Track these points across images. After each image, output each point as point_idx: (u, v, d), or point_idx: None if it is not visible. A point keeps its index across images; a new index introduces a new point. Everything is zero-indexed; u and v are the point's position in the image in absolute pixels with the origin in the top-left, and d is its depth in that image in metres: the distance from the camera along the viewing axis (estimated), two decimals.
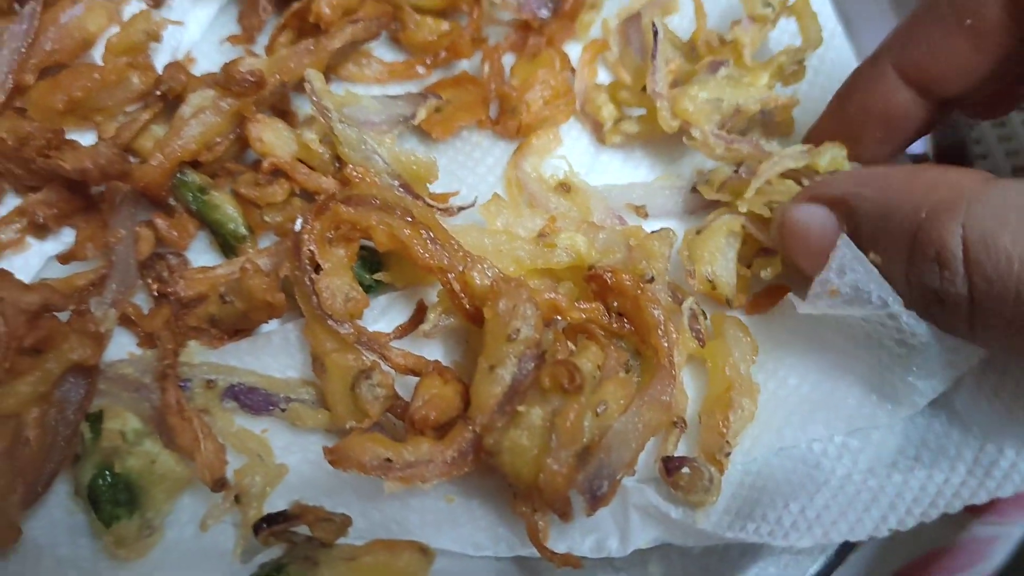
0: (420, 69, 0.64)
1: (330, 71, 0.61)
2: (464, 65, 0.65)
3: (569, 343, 0.49)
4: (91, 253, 0.56)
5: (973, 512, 0.67)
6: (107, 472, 0.49)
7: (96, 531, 0.50)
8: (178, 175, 0.57)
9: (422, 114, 0.59)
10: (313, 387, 0.53)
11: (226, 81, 0.55)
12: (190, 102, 0.56)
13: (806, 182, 0.53)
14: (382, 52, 0.65)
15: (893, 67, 0.51)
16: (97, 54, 0.60)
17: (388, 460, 0.46)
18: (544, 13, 0.63)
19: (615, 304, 0.50)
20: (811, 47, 0.59)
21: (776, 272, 0.54)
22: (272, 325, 0.55)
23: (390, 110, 0.58)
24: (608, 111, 0.62)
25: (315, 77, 0.55)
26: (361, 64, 0.63)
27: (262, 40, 0.64)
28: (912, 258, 0.42)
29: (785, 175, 0.53)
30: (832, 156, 0.53)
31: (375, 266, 0.55)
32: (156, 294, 0.55)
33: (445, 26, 0.63)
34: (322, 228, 0.50)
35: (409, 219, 0.50)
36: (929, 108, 0.52)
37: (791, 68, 0.60)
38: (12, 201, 0.57)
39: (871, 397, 0.48)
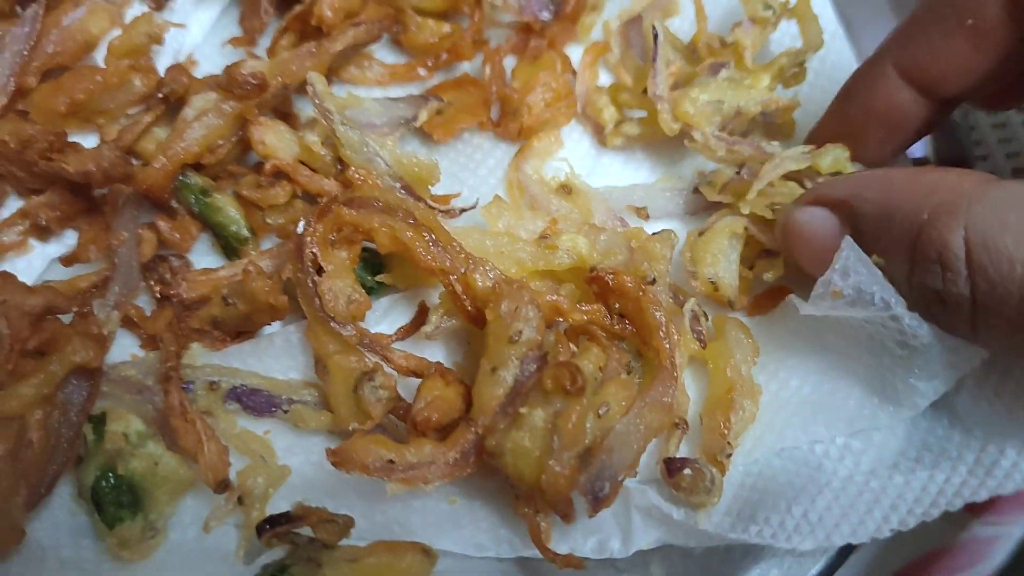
0: (421, 71, 0.64)
1: (332, 73, 0.61)
2: (465, 67, 0.65)
3: (571, 345, 0.49)
4: (94, 255, 0.56)
5: (973, 512, 0.68)
6: (110, 474, 0.49)
7: (99, 533, 0.50)
8: (180, 177, 0.57)
9: (423, 116, 0.59)
10: (315, 389, 0.53)
11: (228, 84, 0.55)
12: (192, 104, 0.57)
13: (808, 183, 0.53)
14: (383, 54, 0.65)
15: (894, 67, 0.51)
16: (99, 57, 0.60)
17: (390, 462, 0.46)
18: (545, 15, 0.63)
19: (616, 306, 0.50)
20: (812, 49, 0.59)
21: (778, 274, 0.54)
22: (274, 327, 0.55)
23: (392, 112, 0.58)
24: (609, 113, 0.62)
25: (317, 80, 0.55)
26: (363, 66, 0.63)
27: (263, 42, 0.64)
28: (914, 259, 0.42)
29: (787, 177, 0.53)
30: (834, 157, 0.53)
31: (377, 268, 0.55)
32: (158, 296, 0.56)
33: (446, 28, 0.63)
34: (324, 230, 0.50)
35: (411, 221, 0.50)
36: (930, 108, 0.52)
37: (792, 70, 0.60)
38: (14, 203, 0.58)
39: (872, 399, 0.49)
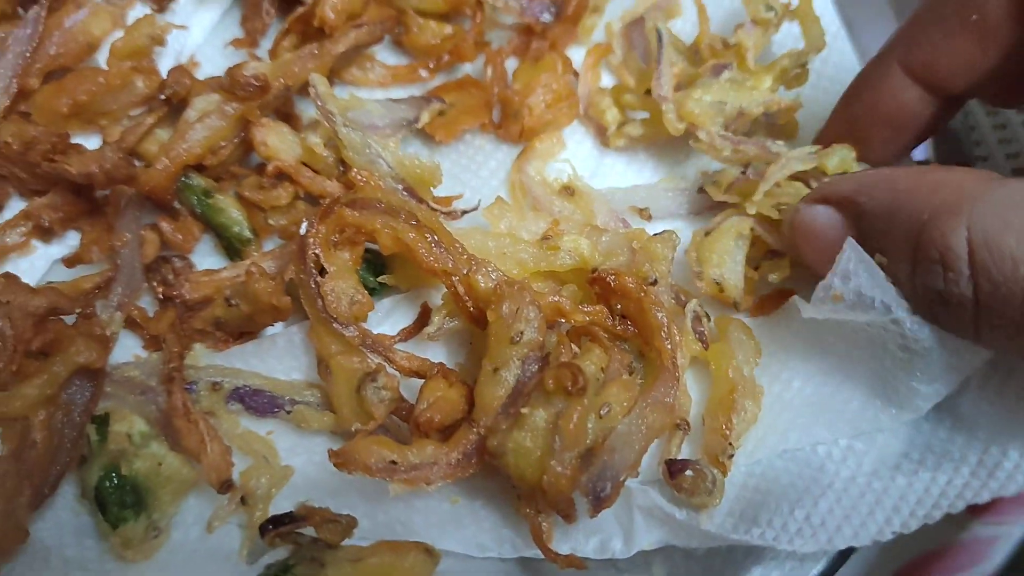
0: (423, 72, 0.64)
1: (333, 75, 0.62)
2: (467, 69, 0.65)
3: (572, 345, 0.49)
4: (96, 256, 0.57)
5: (974, 512, 0.68)
6: (114, 474, 0.49)
7: (102, 532, 0.50)
8: (183, 179, 0.57)
9: (425, 118, 0.59)
10: (318, 389, 0.53)
11: (231, 85, 0.55)
12: (195, 106, 0.57)
13: (814, 184, 0.53)
14: (385, 55, 0.65)
15: (899, 65, 0.51)
16: (101, 58, 0.60)
17: (393, 462, 0.46)
18: (546, 17, 0.63)
19: (618, 306, 0.50)
20: (814, 50, 0.59)
21: (784, 275, 0.54)
22: (277, 328, 0.55)
23: (394, 114, 0.58)
24: (612, 115, 0.62)
25: (320, 81, 0.55)
26: (364, 68, 0.63)
27: (265, 44, 0.64)
28: (916, 259, 0.42)
29: (793, 177, 0.53)
30: (841, 158, 0.52)
31: (379, 269, 0.55)
32: (161, 297, 0.56)
33: (448, 30, 0.63)
34: (327, 231, 0.50)
35: (413, 222, 0.50)
36: (936, 105, 0.52)
37: (794, 71, 0.60)
38: (17, 205, 0.58)
39: (875, 401, 0.48)
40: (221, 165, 0.58)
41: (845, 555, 0.49)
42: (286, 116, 0.60)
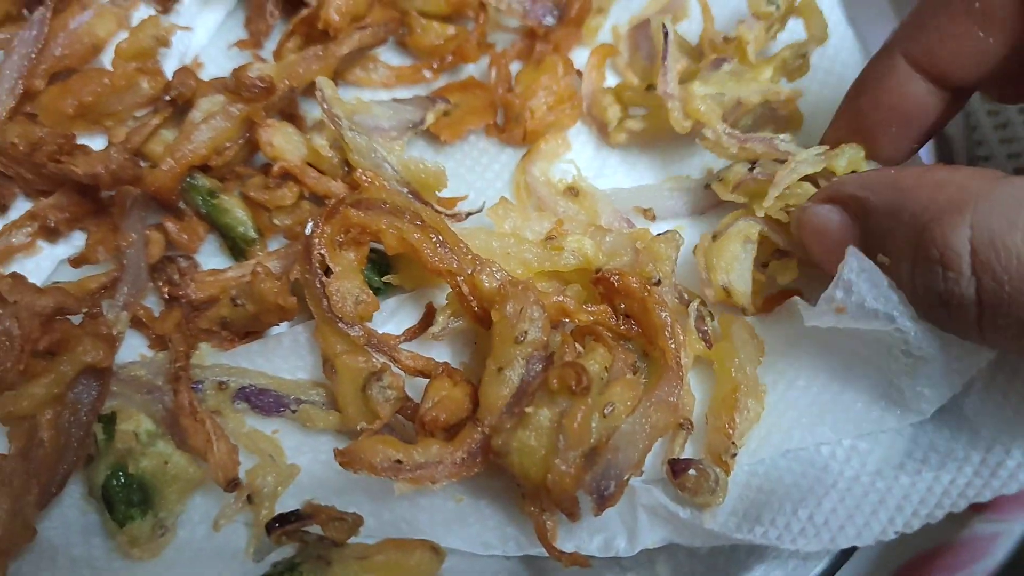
0: (427, 73, 0.64)
1: (337, 76, 0.62)
2: (471, 70, 0.65)
3: (577, 345, 0.49)
4: (102, 256, 0.57)
5: (975, 509, 0.68)
6: (121, 473, 0.50)
7: (109, 531, 0.50)
8: (188, 179, 0.57)
9: (431, 118, 0.59)
10: (323, 389, 0.53)
11: (236, 86, 0.56)
12: (200, 107, 0.57)
13: (824, 184, 0.52)
14: (388, 56, 0.65)
15: (904, 57, 0.50)
16: (106, 59, 0.60)
17: (398, 461, 0.46)
18: (549, 20, 0.63)
19: (622, 306, 0.50)
20: (815, 42, 0.59)
21: (792, 277, 0.53)
22: (282, 327, 0.56)
23: (400, 116, 0.58)
24: (613, 111, 0.62)
25: (326, 84, 0.55)
26: (368, 69, 0.64)
27: (269, 45, 0.64)
28: (916, 259, 0.42)
29: (803, 178, 0.52)
30: (850, 157, 0.52)
31: (384, 269, 0.55)
32: (167, 297, 0.56)
33: (451, 31, 0.63)
34: (332, 232, 0.51)
35: (418, 223, 0.50)
36: (944, 97, 0.50)
37: (795, 63, 0.59)
38: (23, 205, 0.58)
39: (880, 402, 0.48)
40: (226, 166, 0.58)
41: (847, 553, 0.49)
42: (290, 117, 0.60)
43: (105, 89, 0.57)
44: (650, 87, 0.60)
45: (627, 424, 0.46)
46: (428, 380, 0.50)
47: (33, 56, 0.57)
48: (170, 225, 0.57)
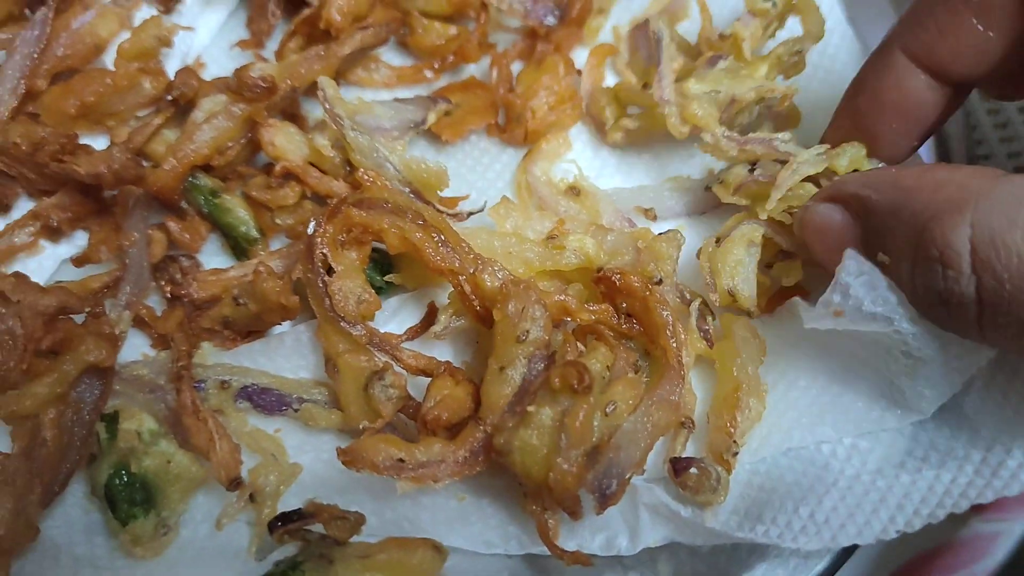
0: (428, 73, 0.64)
1: (339, 76, 0.62)
2: (472, 70, 0.65)
3: (578, 344, 0.50)
4: (104, 256, 0.57)
5: (975, 509, 0.68)
6: (123, 472, 0.50)
7: (112, 530, 0.50)
8: (190, 179, 0.57)
9: (432, 118, 0.59)
10: (326, 388, 0.53)
11: (238, 86, 0.56)
12: (202, 107, 0.57)
13: (825, 183, 0.52)
14: (390, 56, 0.66)
15: (903, 52, 0.50)
16: (109, 59, 0.60)
17: (401, 460, 0.46)
18: (550, 20, 0.63)
19: (624, 305, 0.51)
20: (812, 39, 0.59)
21: (797, 278, 0.53)
22: (284, 326, 0.56)
23: (401, 116, 0.58)
24: (610, 111, 0.62)
25: (328, 85, 0.55)
26: (370, 68, 0.64)
27: (271, 45, 0.64)
28: (916, 258, 0.41)
29: (804, 179, 0.52)
30: (851, 156, 0.51)
31: (386, 268, 0.55)
32: (169, 296, 0.56)
33: (452, 31, 0.63)
34: (334, 231, 0.51)
35: (420, 222, 0.50)
36: (944, 93, 0.50)
37: (790, 59, 0.59)
38: (26, 205, 0.58)
39: (880, 401, 0.48)
40: (228, 165, 0.58)
41: (848, 552, 0.49)
42: (292, 117, 0.60)
43: (107, 89, 0.57)
44: (646, 86, 0.60)
45: (629, 423, 0.46)
46: (430, 379, 0.50)
47: (35, 56, 0.57)
48: (172, 225, 0.57)
